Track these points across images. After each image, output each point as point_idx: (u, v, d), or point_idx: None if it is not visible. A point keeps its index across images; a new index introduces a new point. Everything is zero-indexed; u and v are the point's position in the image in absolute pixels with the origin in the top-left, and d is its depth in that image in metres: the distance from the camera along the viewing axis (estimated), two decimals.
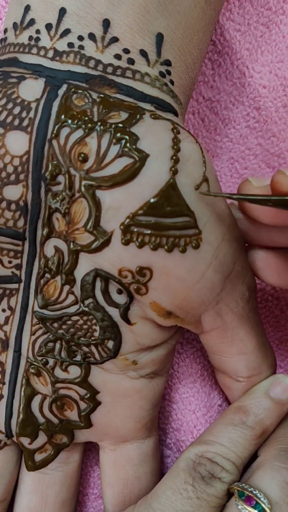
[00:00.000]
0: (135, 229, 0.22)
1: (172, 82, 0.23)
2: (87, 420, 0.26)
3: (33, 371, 0.25)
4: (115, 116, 0.22)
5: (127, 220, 0.22)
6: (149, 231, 0.22)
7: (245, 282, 0.24)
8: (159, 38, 0.22)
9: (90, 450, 0.29)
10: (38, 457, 0.26)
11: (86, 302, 0.24)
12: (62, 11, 0.22)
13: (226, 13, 0.29)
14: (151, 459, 0.27)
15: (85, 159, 0.21)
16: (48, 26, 0.22)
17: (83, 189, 0.22)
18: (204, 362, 0.30)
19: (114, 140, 0.21)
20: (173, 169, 0.21)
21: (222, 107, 0.29)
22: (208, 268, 0.22)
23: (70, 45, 0.22)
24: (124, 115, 0.22)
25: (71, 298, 0.24)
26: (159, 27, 0.22)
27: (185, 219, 0.22)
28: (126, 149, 0.21)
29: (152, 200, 0.21)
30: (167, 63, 0.23)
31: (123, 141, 0.21)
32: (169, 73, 0.23)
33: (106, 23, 0.22)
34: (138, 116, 0.22)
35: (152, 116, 0.22)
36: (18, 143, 0.22)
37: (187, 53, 0.23)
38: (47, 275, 0.24)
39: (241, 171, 0.30)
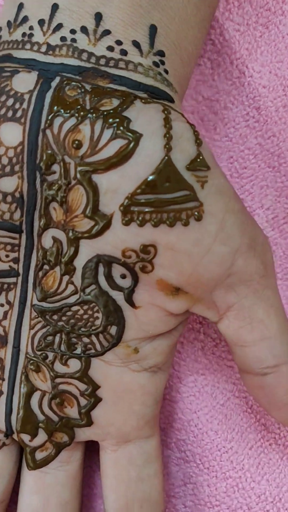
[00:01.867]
0: (135, 209, 0.22)
1: (166, 72, 0.23)
2: (88, 417, 0.25)
3: (32, 367, 0.25)
4: (107, 103, 0.22)
5: (126, 201, 0.22)
6: (149, 209, 0.22)
7: (258, 256, 0.23)
8: (153, 29, 0.23)
9: (90, 450, 0.29)
10: (39, 455, 0.26)
11: (88, 290, 0.24)
12: (55, 7, 0.23)
13: (225, 13, 0.29)
14: (154, 460, 0.27)
15: (79, 146, 0.22)
16: (41, 22, 0.23)
17: (78, 175, 0.22)
18: (205, 362, 0.30)
19: (106, 125, 0.22)
20: (167, 146, 0.22)
21: (222, 106, 0.29)
22: (215, 241, 0.22)
23: (63, 39, 0.22)
24: (115, 102, 0.22)
25: (70, 288, 0.24)
26: (152, 20, 0.23)
27: (184, 193, 0.22)
28: (119, 131, 0.21)
29: (149, 178, 0.22)
30: (161, 53, 0.23)
31: (116, 124, 0.22)
32: (163, 63, 0.23)
33: (98, 17, 0.22)
34: (129, 102, 0.22)
35: (143, 101, 0.22)
36: (12, 134, 0.22)
37: (182, 48, 0.24)
38: (46, 267, 0.24)
39: (241, 170, 0.30)
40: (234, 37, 0.29)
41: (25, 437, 0.26)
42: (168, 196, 0.22)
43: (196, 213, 0.22)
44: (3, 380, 0.25)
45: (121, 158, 0.21)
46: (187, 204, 0.22)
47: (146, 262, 0.23)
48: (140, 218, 0.22)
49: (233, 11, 0.29)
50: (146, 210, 0.22)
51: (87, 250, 0.23)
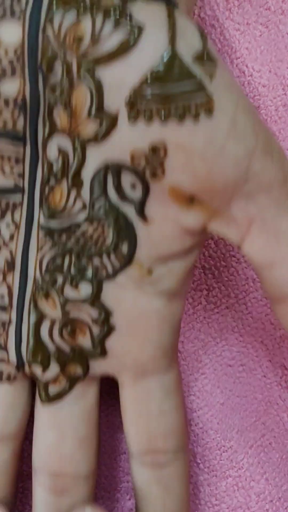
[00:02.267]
0: (141, 103, 0.21)
1: None
2: (102, 346, 0.24)
3: (40, 293, 0.24)
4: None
5: (131, 95, 0.21)
6: (156, 103, 0.21)
7: (275, 162, 0.22)
8: None
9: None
10: (53, 389, 0.25)
11: (97, 205, 0.23)
12: None
13: (225, 12, 0.29)
14: (175, 394, 0.25)
15: (80, 41, 0.21)
16: None
17: (81, 72, 0.21)
18: (206, 361, 0.30)
19: (107, 18, 0.21)
20: (171, 37, 0.21)
21: None
22: (227, 139, 0.21)
23: None
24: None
25: (79, 204, 0.23)
26: None
27: (192, 85, 0.21)
28: (121, 23, 0.21)
29: (154, 70, 0.21)
30: None
31: (117, 16, 0.21)
32: None
33: None
34: None
35: (145, 1, 0.21)
36: (11, 33, 0.21)
37: None
38: (52, 181, 0.23)
39: None
40: (234, 36, 0.29)
41: (37, 369, 0.25)
42: (175, 89, 0.21)
43: (205, 108, 0.21)
44: (12, 308, 0.24)
45: (124, 50, 0.20)
46: (195, 98, 0.21)
47: (156, 166, 0.21)
48: (147, 113, 0.21)
49: (233, 10, 0.29)
50: (153, 103, 0.21)
51: (95, 158, 0.22)
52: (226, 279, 0.30)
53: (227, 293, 0.30)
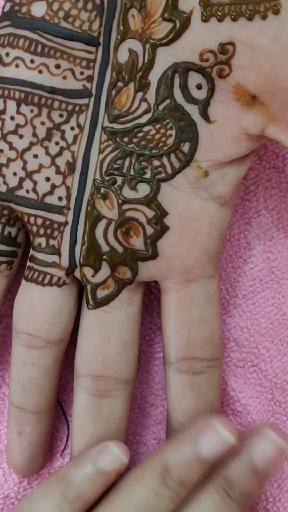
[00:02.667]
0: (215, 1, 0.22)
1: None
2: (154, 247, 0.25)
3: (99, 194, 0.25)
4: None
5: None
6: (228, 0, 0.22)
7: None
8: None
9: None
10: (100, 293, 0.26)
11: (162, 106, 0.24)
12: None
13: None
14: (216, 301, 0.26)
15: None
16: None
17: None
18: None
19: None
20: None
21: None
22: None
23: None
24: None
25: (143, 106, 0.24)
26: None
27: None
28: None
29: None
30: None
31: None
32: None
33: None
34: None
35: None
36: None
37: None
38: (120, 84, 0.24)
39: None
40: None
41: (88, 272, 0.25)
42: None
43: (274, 6, 0.22)
44: (69, 209, 0.25)
45: None
46: None
47: (224, 64, 0.23)
48: (219, 11, 0.22)
49: None
50: (226, 1, 0.22)
51: (164, 59, 0.23)
52: (233, 280, 0.30)
53: (235, 294, 0.30)
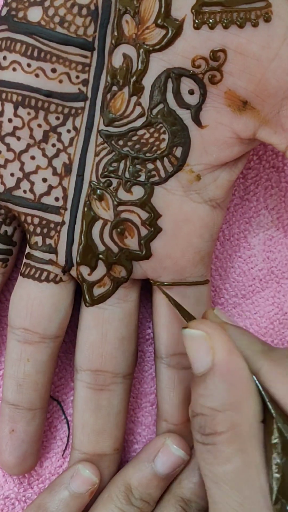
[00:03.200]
0: (207, 9, 0.23)
1: None
2: (147, 248, 0.26)
3: (95, 195, 0.26)
4: None
5: (198, 1, 0.23)
6: (220, 9, 0.23)
7: None
8: None
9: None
10: (97, 291, 0.26)
11: (155, 110, 0.24)
12: None
13: None
14: (206, 300, 0.27)
15: None
16: None
17: None
18: None
19: None
20: None
21: None
22: (282, 44, 0.23)
23: None
24: None
25: (138, 110, 0.25)
26: None
27: None
28: None
29: None
30: None
31: None
32: None
33: None
34: None
35: None
36: None
37: None
38: (114, 88, 0.25)
39: (245, 171, 0.30)
40: None
41: (84, 270, 0.26)
42: None
43: (265, 14, 0.23)
44: (66, 210, 0.26)
45: None
46: (256, 4, 0.23)
47: (215, 70, 0.23)
48: (211, 19, 0.23)
49: None
50: (217, 10, 0.23)
51: (157, 65, 0.24)
52: (233, 280, 0.30)
53: (235, 294, 0.30)
